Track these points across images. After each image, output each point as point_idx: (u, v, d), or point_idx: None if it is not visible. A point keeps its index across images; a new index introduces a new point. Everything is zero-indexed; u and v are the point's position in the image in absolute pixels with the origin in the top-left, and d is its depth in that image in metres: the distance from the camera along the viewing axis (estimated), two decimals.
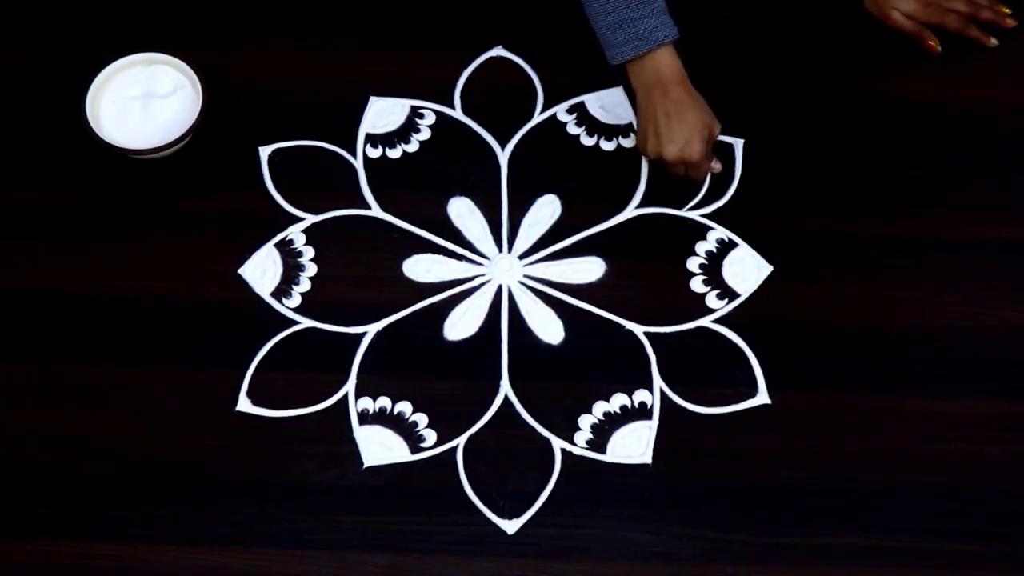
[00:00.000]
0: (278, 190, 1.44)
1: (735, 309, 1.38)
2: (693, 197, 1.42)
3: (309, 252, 1.41)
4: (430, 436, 1.32)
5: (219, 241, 1.41)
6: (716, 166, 1.39)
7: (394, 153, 1.47)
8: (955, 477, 1.30)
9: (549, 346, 1.37)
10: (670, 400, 1.34)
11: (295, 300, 1.39)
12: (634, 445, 1.32)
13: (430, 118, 1.49)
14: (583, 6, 1.35)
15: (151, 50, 1.47)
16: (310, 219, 1.43)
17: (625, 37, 1.32)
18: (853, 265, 1.40)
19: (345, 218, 1.43)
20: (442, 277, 1.40)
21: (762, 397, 1.34)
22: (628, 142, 1.47)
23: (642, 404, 1.34)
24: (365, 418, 1.33)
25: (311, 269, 1.40)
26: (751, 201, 1.43)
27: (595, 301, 1.39)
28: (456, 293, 1.39)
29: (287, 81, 1.50)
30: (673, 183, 1.40)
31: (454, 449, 1.32)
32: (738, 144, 1.46)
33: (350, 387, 1.34)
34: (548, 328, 1.37)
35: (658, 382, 1.35)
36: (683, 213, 1.43)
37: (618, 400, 1.34)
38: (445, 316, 1.38)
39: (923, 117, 1.48)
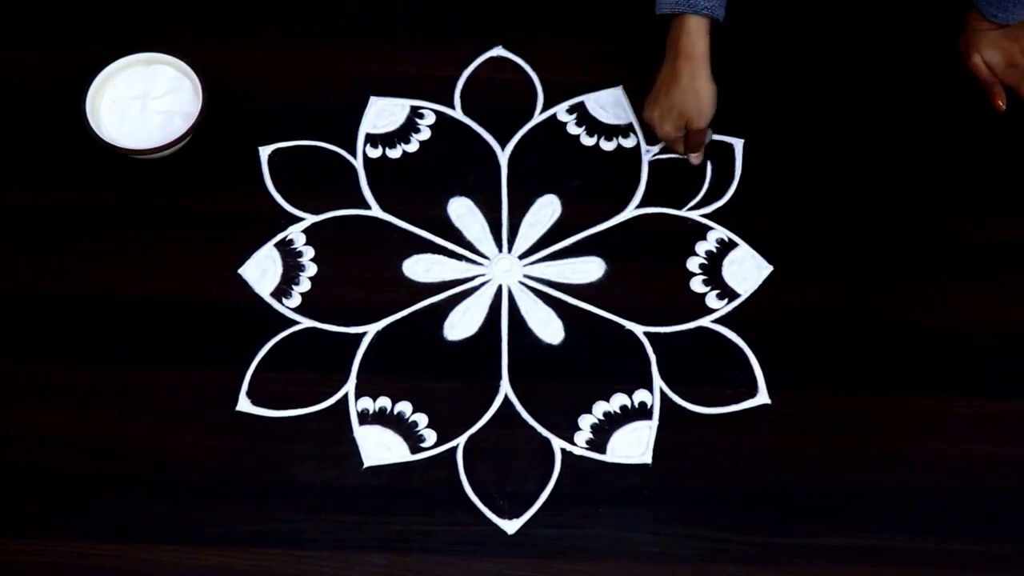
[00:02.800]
0: (278, 190, 1.44)
1: (735, 309, 1.38)
2: (692, 198, 1.43)
3: (309, 252, 1.41)
4: (430, 436, 1.32)
5: (219, 241, 1.41)
6: (694, 159, 1.42)
7: (394, 153, 1.47)
8: (955, 477, 1.30)
9: (549, 346, 1.37)
10: (670, 400, 1.34)
11: (295, 300, 1.39)
12: (634, 445, 1.32)
13: (430, 118, 1.49)
14: None
15: (151, 50, 1.47)
16: (310, 219, 1.43)
17: None
18: (853, 265, 1.40)
19: (345, 218, 1.43)
20: (442, 277, 1.40)
21: (762, 397, 1.34)
22: (628, 142, 1.47)
23: (642, 404, 1.34)
24: (365, 418, 1.33)
25: (311, 269, 1.40)
26: (751, 201, 1.44)
27: (595, 301, 1.39)
28: (456, 293, 1.39)
29: (287, 81, 1.50)
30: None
31: (454, 449, 1.32)
32: (738, 144, 1.46)
33: (350, 387, 1.34)
34: (548, 328, 1.37)
35: (658, 382, 1.35)
36: (683, 213, 1.43)
37: (618, 400, 1.34)
38: (445, 316, 1.38)
39: (923, 117, 1.48)
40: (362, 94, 1.49)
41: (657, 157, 1.45)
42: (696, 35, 1.34)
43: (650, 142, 1.45)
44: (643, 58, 1.49)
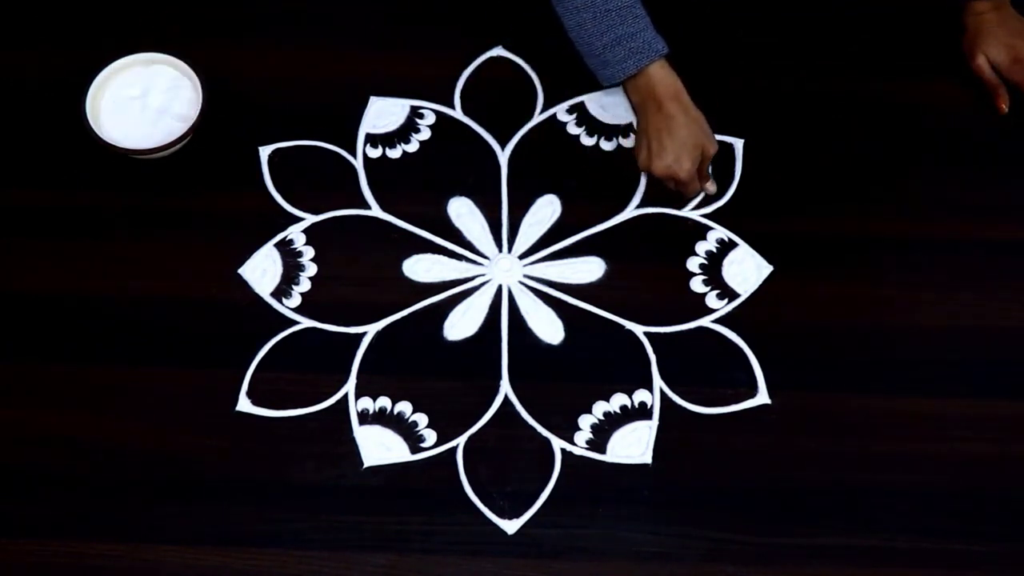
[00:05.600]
0: (278, 190, 1.44)
1: (735, 309, 1.38)
2: (684, 206, 1.43)
3: (309, 252, 1.41)
4: (430, 436, 1.32)
5: (219, 241, 1.41)
6: (711, 188, 1.41)
7: (394, 153, 1.47)
8: (955, 477, 1.30)
9: (549, 346, 1.37)
10: (670, 400, 1.34)
11: (295, 300, 1.39)
12: (634, 445, 1.32)
13: (430, 118, 1.49)
14: (574, 33, 1.37)
15: (151, 50, 1.47)
16: (310, 219, 1.43)
17: (625, 53, 1.34)
18: (853, 265, 1.40)
19: (345, 218, 1.43)
20: (442, 277, 1.40)
21: (762, 397, 1.34)
22: (628, 142, 1.47)
23: (642, 404, 1.34)
24: (365, 418, 1.33)
25: (311, 269, 1.40)
26: (751, 201, 1.44)
27: (595, 301, 1.39)
28: (456, 293, 1.39)
29: (287, 81, 1.50)
30: (667, 193, 1.41)
31: (454, 449, 1.32)
32: (738, 144, 1.46)
33: (350, 387, 1.34)
34: (548, 328, 1.37)
35: (658, 382, 1.35)
36: (683, 213, 1.43)
37: (618, 400, 1.34)
38: (445, 316, 1.38)
39: (923, 117, 1.48)
40: (362, 94, 1.49)
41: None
42: (666, 74, 1.35)
43: (679, 202, 1.43)
44: None
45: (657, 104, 1.35)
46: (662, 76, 1.35)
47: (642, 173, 1.43)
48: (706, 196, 1.43)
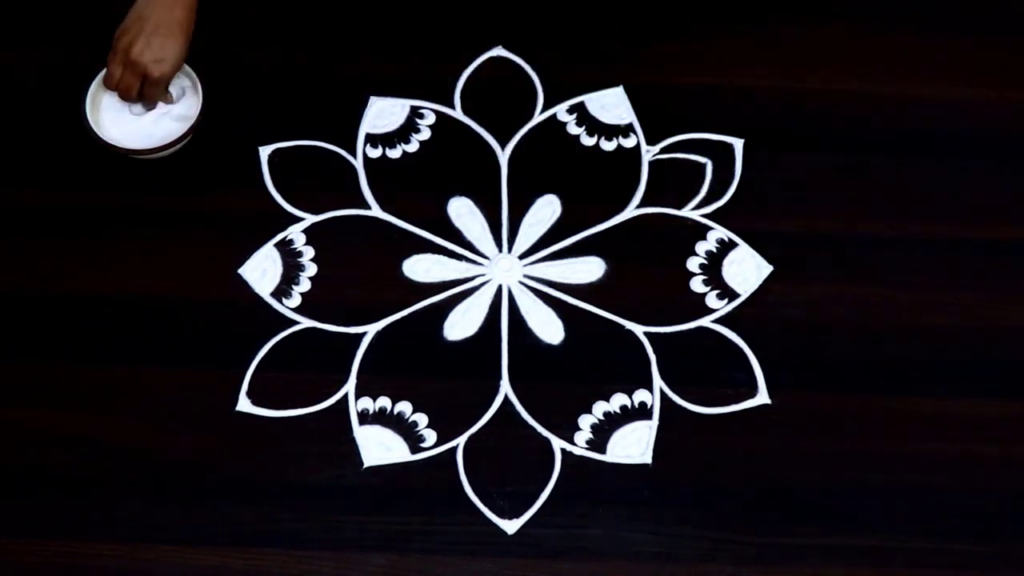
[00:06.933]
0: (278, 190, 1.44)
1: (735, 309, 1.38)
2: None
3: (309, 252, 1.41)
4: (430, 436, 1.32)
5: (219, 241, 1.41)
6: (136, 108, 1.42)
7: (394, 153, 1.47)
8: (955, 477, 1.30)
9: (549, 346, 1.37)
10: (670, 400, 1.34)
11: (295, 300, 1.39)
12: (634, 445, 1.32)
13: (430, 118, 1.49)
14: None
15: None
16: (310, 219, 1.43)
17: None
18: (853, 265, 1.40)
19: (345, 218, 1.43)
20: (442, 277, 1.40)
21: (762, 397, 1.34)
22: (628, 142, 1.47)
23: (642, 404, 1.34)
24: (365, 418, 1.33)
25: (311, 269, 1.40)
26: (751, 201, 1.43)
27: (595, 301, 1.39)
28: (456, 293, 1.39)
29: (287, 81, 1.50)
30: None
31: (454, 449, 1.32)
32: (738, 144, 1.46)
33: (350, 387, 1.34)
34: (548, 328, 1.37)
35: (658, 382, 1.35)
36: (683, 213, 1.43)
37: (618, 400, 1.34)
38: (445, 316, 1.38)
39: (923, 117, 1.48)
40: (362, 94, 1.49)
41: (657, 157, 1.45)
42: None
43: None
44: (645, 58, 1.50)
45: None
46: None
47: (643, 162, 1.42)
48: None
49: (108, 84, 1.40)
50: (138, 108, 1.43)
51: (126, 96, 1.40)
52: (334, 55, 1.52)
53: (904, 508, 1.29)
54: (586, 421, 1.33)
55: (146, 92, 1.40)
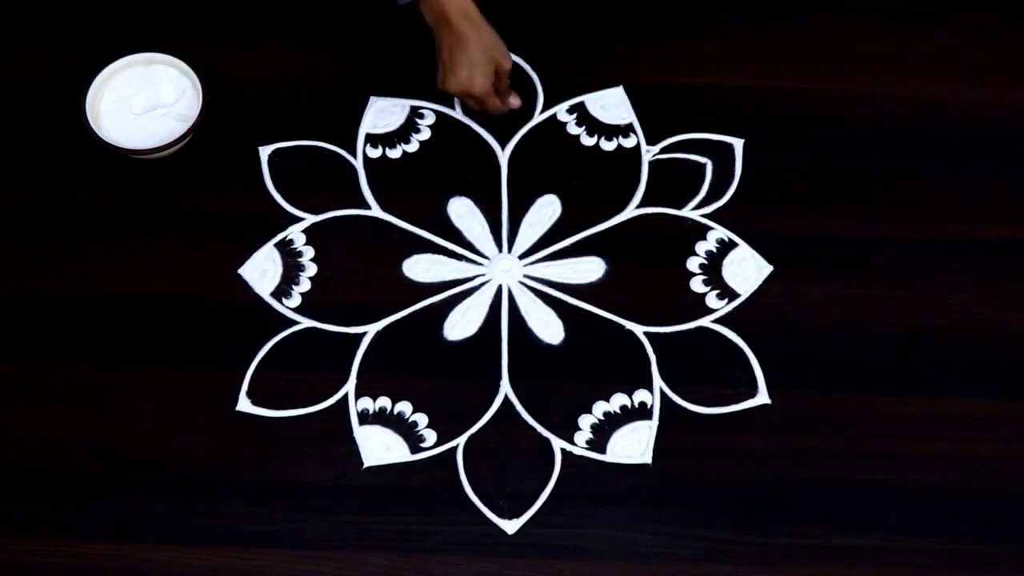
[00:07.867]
0: (278, 190, 1.44)
1: (735, 309, 1.38)
2: (494, 119, 1.45)
3: (309, 252, 1.41)
4: (430, 436, 1.32)
5: (219, 241, 1.41)
6: (514, 102, 1.45)
7: (394, 153, 1.47)
8: (955, 477, 1.30)
9: (549, 346, 1.37)
10: (670, 400, 1.34)
11: (295, 300, 1.39)
12: (634, 445, 1.32)
13: (430, 118, 1.49)
14: None
15: (151, 50, 1.47)
16: (310, 219, 1.43)
17: None
18: (853, 265, 1.40)
19: (345, 218, 1.43)
20: (442, 277, 1.40)
21: (762, 397, 1.34)
22: (628, 142, 1.47)
23: (642, 404, 1.34)
24: (365, 418, 1.33)
25: (311, 269, 1.40)
26: (751, 201, 1.43)
27: (595, 301, 1.39)
28: (456, 293, 1.39)
29: (287, 81, 1.50)
30: (474, 114, 1.45)
31: (454, 449, 1.32)
32: (738, 144, 1.46)
33: (350, 387, 1.34)
34: (548, 328, 1.37)
35: (658, 382, 1.35)
36: (683, 213, 1.43)
37: (618, 400, 1.34)
38: (445, 316, 1.38)
39: (924, 117, 1.48)
40: (362, 94, 1.49)
41: (657, 157, 1.45)
42: None
43: (468, 111, 1.47)
44: (645, 58, 1.50)
45: (448, 23, 1.36)
46: None
47: (643, 160, 1.43)
48: (514, 112, 1.45)
49: (473, 110, 1.44)
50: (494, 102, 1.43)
51: (497, 109, 1.43)
52: (334, 55, 1.52)
53: (904, 508, 1.29)
54: (586, 421, 1.33)
55: (501, 88, 1.42)
